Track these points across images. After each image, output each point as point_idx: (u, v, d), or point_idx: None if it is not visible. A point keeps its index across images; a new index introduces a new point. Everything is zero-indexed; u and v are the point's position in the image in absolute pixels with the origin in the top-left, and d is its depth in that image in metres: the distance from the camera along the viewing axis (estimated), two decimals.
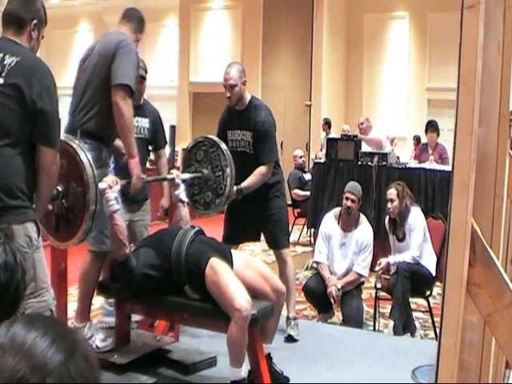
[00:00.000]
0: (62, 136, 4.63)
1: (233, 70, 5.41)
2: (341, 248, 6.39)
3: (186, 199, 4.87)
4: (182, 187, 4.88)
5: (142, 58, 5.63)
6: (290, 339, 5.50)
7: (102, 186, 4.06)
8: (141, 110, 5.57)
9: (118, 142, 4.79)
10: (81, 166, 3.77)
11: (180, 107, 19.17)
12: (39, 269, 3.44)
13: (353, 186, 6.54)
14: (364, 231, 6.41)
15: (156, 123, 5.74)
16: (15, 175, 3.37)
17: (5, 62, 3.39)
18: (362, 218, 6.50)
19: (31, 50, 3.57)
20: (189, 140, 18.70)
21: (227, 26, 18.61)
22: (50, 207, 3.76)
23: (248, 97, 5.51)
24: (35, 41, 3.61)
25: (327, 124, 15.12)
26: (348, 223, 6.42)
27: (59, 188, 3.84)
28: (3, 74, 3.37)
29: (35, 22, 3.56)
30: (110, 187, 4.18)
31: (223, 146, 5.17)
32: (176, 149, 5.80)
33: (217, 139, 5.25)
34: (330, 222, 6.54)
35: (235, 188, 5.22)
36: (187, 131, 18.62)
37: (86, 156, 3.81)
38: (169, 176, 4.97)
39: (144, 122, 5.60)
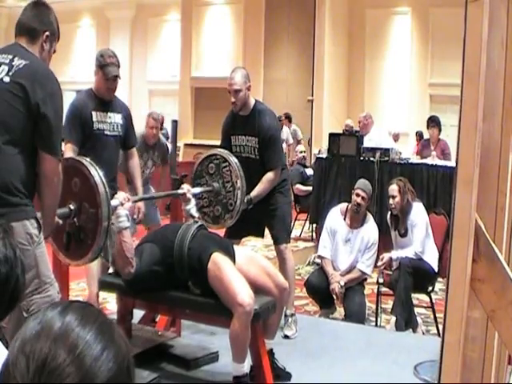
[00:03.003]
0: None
1: (237, 75, 5.34)
2: (345, 244, 6.36)
3: (196, 214, 4.84)
4: (193, 202, 4.85)
5: (115, 53, 5.27)
6: (288, 338, 5.50)
7: (114, 203, 4.06)
8: (113, 104, 5.29)
9: None
10: (93, 185, 3.75)
11: (182, 102, 19.16)
12: (42, 264, 3.43)
13: (364, 184, 6.50)
14: (370, 229, 6.38)
15: (128, 120, 5.42)
16: (13, 173, 3.34)
17: (13, 63, 3.39)
18: (369, 216, 6.47)
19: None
20: (191, 135, 18.68)
21: (229, 20, 18.59)
22: (61, 222, 3.73)
23: (252, 102, 5.46)
24: (47, 53, 3.60)
25: (287, 118, 15.21)
26: (354, 220, 6.39)
27: (71, 206, 3.82)
28: (10, 74, 3.36)
29: (47, 33, 3.56)
30: (122, 204, 4.19)
31: (235, 160, 5.14)
32: (178, 144, 5.75)
33: (228, 153, 5.21)
34: (335, 217, 6.51)
35: (245, 198, 5.20)
36: (189, 126, 18.63)
37: (98, 174, 3.78)
38: (180, 191, 4.90)
39: (117, 118, 5.26)
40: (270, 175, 5.36)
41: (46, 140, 3.38)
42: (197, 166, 5.31)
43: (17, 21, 3.60)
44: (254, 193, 5.29)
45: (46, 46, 3.59)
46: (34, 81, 3.36)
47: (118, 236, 4.20)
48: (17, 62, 3.39)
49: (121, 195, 4.28)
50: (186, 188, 4.89)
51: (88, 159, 3.92)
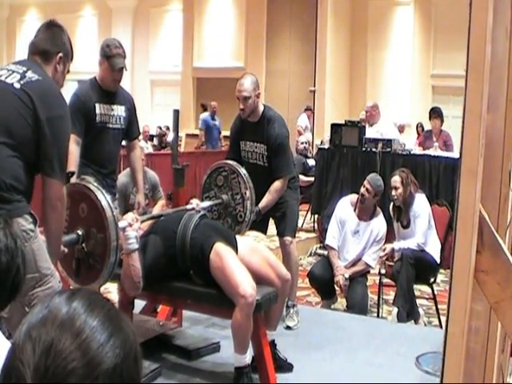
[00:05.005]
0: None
1: (246, 82, 5.25)
2: (354, 235, 6.34)
3: None
4: None
5: (120, 43, 5.10)
6: (290, 329, 5.49)
7: (122, 224, 3.99)
8: (117, 96, 5.13)
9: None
10: (101, 209, 3.71)
11: (184, 92, 19.17)
12: (40, 258, 3.39)
13: (371, 177, 6.44)
14: (380, 223, 6.35)
15: (132, 111, 5.25)
16: (5, 171, 3.27)
17: (26, 74, 3.36)
18: (379, 210, 6.46)
19: (55, 83, 3.54)
20: (192, 125, 18.60)
21: (231, 10, 18.57)
22: (66, 250, 3.71)
23: (261, 108, 5.39)
24: (60, 74, 3.59)
25: (310, 110, 15.91)
26: (364, 212, 6.37)
27: (79, 232, 3.80)
28: (22, 82, 3.33)
29: (61, 55, 3.56)
30: (130, 225, 4.09)
31: (243, 171, 5.10)
32: (179, 134, 5.69)
33: (236, 165, 5.17)
34: (345, 207, 6.48)
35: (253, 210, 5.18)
36: (191, 116, 18.63)
37: (105, 198, 3.75)
38: (189, 206, 4.82)
39: (121, 110, 5.10)
40: (277, 184, 5.31)
41: (47, 161, 3.33)
42: (205, 179, 5.26)
43: (30, 41, 3.59)
44: (262, 204, 5.26)
45: (60, 68, 3.57)
46: (43, 98, 3.32)
47: (126, 259, 4.12)
48: (30, 74, 3.37)
49: (129, 216, 4.19)
50: (194, 203, 4.84)
51: (95, 184, 3.90)
